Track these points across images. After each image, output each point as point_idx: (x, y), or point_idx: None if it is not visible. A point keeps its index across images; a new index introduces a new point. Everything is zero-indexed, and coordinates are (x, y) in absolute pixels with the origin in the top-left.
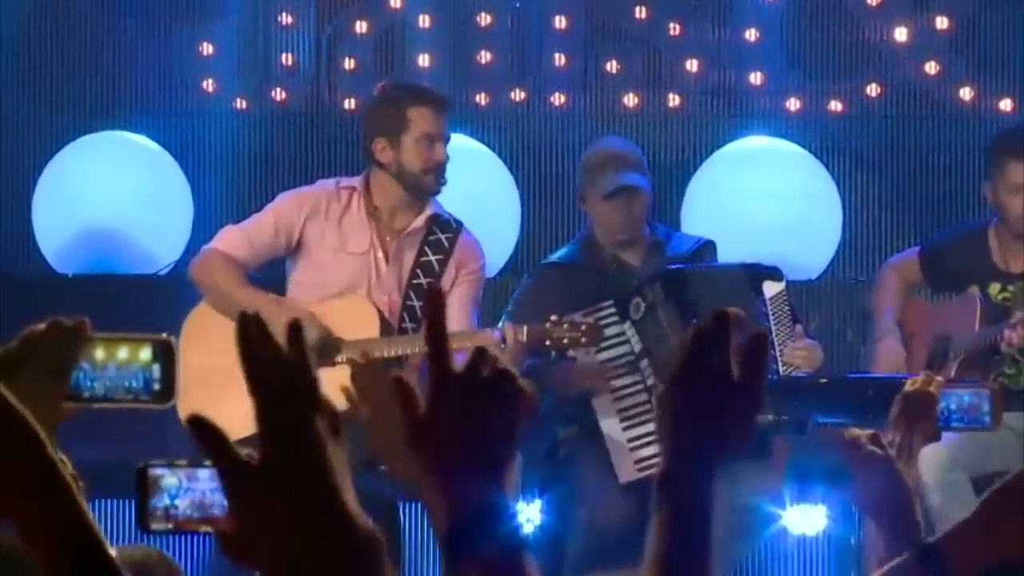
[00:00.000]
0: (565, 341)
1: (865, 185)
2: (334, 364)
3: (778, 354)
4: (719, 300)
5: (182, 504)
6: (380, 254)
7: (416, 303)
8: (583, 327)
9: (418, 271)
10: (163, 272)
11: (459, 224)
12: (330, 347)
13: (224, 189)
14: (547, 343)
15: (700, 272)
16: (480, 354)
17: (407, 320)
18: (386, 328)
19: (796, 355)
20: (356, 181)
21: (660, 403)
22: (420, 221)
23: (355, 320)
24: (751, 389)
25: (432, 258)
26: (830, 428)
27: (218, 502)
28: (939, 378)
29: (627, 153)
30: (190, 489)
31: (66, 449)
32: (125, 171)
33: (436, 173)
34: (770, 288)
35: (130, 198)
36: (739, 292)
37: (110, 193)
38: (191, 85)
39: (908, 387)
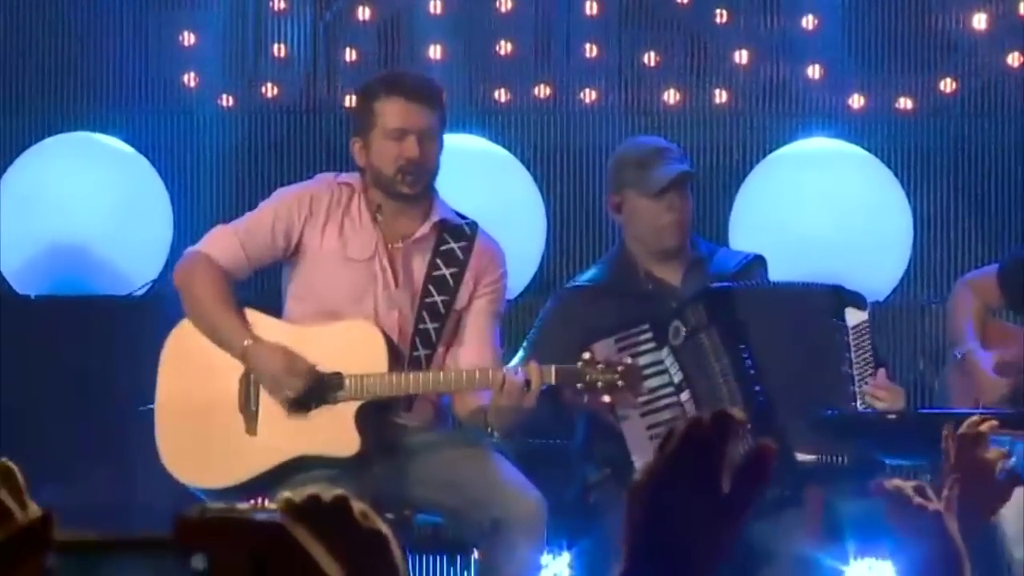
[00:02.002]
0: (600, 384)
1: (938, 193)
2: (335, 402)
3: (857, 389)
4: (787, 324)
5: None
6: (385, 261)
7: (429, 326)
8: (620, 368)
9: (430, 288)
10: (139, 293)
11: (473, 227)
12: (326, 386)
13: (208, 198)
14: (579, 385)
15: (756, 292)
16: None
17: (419, 347)
18: (395, 357)
19: (877, 394)
20: (355, 178)
21: (631, 495)
22: (426, 228)
23: (358, 349)
24: (737, 510)
25: (446, 272)
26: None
27: None
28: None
29: (671, 147)
30: None
31: (31, 493)
32: (95, 178)
33: (404, 173)
34: (853, 316)
35: (101, 209)
36: (815, 317)
37: (78, 203)
38: (170, 80)
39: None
